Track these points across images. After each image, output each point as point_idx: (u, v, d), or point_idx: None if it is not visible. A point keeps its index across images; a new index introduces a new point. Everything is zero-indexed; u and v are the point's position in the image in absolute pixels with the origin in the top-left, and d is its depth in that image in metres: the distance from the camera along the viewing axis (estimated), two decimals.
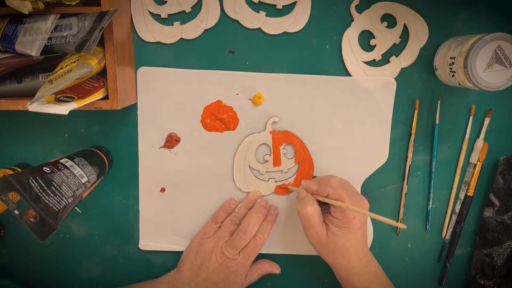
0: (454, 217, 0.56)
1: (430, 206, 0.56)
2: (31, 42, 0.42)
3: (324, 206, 0.50)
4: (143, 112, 0.53)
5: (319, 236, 0.49)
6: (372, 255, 0.51)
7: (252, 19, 0.51)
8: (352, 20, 0.52)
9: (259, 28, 0.52)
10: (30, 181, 0.38)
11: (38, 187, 0.38)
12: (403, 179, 0.55)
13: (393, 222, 0.43)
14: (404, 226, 0.42)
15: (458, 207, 0.56)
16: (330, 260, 0.50)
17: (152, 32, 0.51)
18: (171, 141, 0.54)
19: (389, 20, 0.52)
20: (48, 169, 0.41)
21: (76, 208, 0.51)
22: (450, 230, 0.56)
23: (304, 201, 0.49)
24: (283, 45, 0.52)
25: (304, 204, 0.49)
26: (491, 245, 0.54)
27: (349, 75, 0.53)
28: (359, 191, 0.55)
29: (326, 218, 0.49)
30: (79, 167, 0.45)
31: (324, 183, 0.49)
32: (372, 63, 0.53)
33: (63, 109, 0.40)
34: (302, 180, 0.53)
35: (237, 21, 0.51)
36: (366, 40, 0.52)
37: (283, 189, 0.55)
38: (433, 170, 0.55)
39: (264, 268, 0.55)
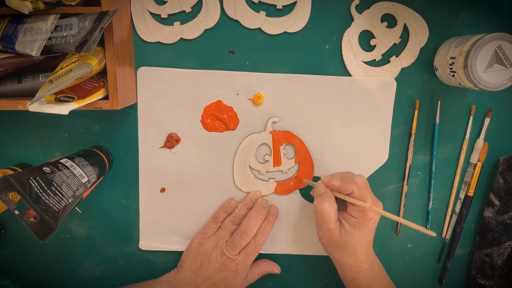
0: (454, 217, 0.56)
1: (430, 206, 0.56)
2: (31, 42, 0.42)
3: (340, 204, 0.50)
4: (143, 112, 0.53)
5: (331, 233, 0.48)
6: (375, 255, 0.51)
7: (252, 19, 0.51)
8: (352, 20, 0.52)
9: (259, 28, 0.52)
10: (30, 181, 0.38)
11: (38, 187, 0.38)
12: (403, 179, 0.55)
13: (422, 229, 0.43)
14: (434, 234, 0.42)
15: (458, 207, 0.56)
16: (337, 258, 0.50)
17: (152, 32, 0.51)
18: (171, 141, 0.54)
19: (389, 20, 0.52)
20: (48, 169, 0.41)
21: (76, 208, 0.51)
22: (450, 230, 0.56)
23: (322, 197, 0.48)
24: (283, 45, 0.52)
25: (322, 200, 0.48)
26: (491, 245, 0.54)
27: (349, 75, 0.53)
28: None
29: (341, 215, 0.49)
30: (79, 167, 0.45)
31: (349, 180, 0.47)
32: (372, 63, 0.53)
33: (63, 109, 0.40)
34: (322, 175, 0.51)
35: (237, 21, 0.51)
36: (366, 40, 0.52)
37: (283, 189, 0.55)
38: (433, 170, 0.55)
39: (264, 268, 0.55)
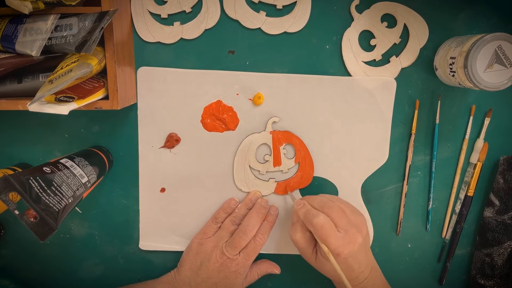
0: (454, 217, 0.56)
1: (430, 206, 0.56)
2: (31, 42, 0.42)
3: None
4: (143, 112, 0.53)
5: (308, 259, 0.50)
6: (374, 264, 0.50)
7: (252, 19, 0.51)
8: (352, 20, 0.52)
9: (259, 28, 0.52)
10: (30, 181, 0.38)
11: (38, 187, 0.38)
12: (403, 179, 0.55)
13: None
14: None
15: (458, 207, 0.56)
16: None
17: (152, 32, 0.51)
18: (171, 141, 0.54)
19: (389, 20, 0.52)
20: (48, 169, 0.41)
21: (76, 208, 0.51)
22: (450, 230, 0.56)
23: (295, 227, 0.49)
24: (283, 45, 0.52)
25: (294, 230, 0.49)
26: (491, 245, 0.54)
27: (349, 75, 0.53)
28: (359, 191, 0.55)
29: (318, 244, 0.49)
30: (79, 167, 0.45)
31: (308, 220, 0.46)
32: (372, 63, 0.53)
33: (63, 109, 0.40)
34: (297, 200, 0.50)
35: (237, 21, 0.51)
36: (366, 40, 0.52)
37: (283, 189, 0.55)
38: (433, 170, 0.55)
39: (264, 268, 0.55)
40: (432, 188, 0.55)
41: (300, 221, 0.49)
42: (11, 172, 0.50)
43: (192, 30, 0.51)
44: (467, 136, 0.54)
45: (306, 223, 0.47)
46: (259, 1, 0.51)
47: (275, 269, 0.56)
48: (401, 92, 0.53)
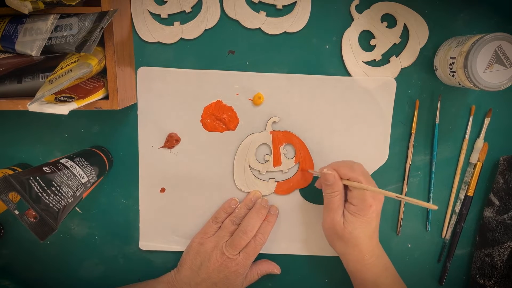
0: (454, 217, 0.56)
1: None
2: (31, 42, 0.42)
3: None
4: (143, 112, 0.53)
5: (336, 224, 0.49)
6: (381, 248, 0.51)
7: (252, 19, 0.51)
8: (352, 20, 0.52)
9: (259, 28, 0.52)
10: (30, 181, 0.38)
11: (38, 187, 0.38)
12: (403, 179, 0.55)
13: (423, 203, 0.43)
14: (435, 207, 0.42)
15: (458, 207, 0.56)
16: (341, 250, 0.50)
17: (152, 32, 0.51)
18: (171, 141, 0.54)
19: (389, 20, 0.52)
20: (48, 169, 0.41)
21: (76, 208, 0.51)
22: (450, 230, 0.56)
23: (333, 187, 0.49)
24: (283, 45, 0.52)
25: (333, 190, 0.49)
26: (491, 245, 0.54)
27: (349, 75, 0.53)
28: None
29: (346, 204, 0.50)
30: (79, 167, 0.45)
31: (347, 166, 0.49)
32: (372, 63, 0.53)
33: (63, 109, 0.40)
34: (321, 168, 0.52)
35: (237, 21, 0.51)
36: (366, 40, 0.52)
37: (283, 189, 0.55)
38: (433, 170, 0.55)
39: (264, 268, 0.55)
40: (432, 188, 0.55)
41: (338, 181, 0.49)
42: (11, 172, 0.50)
43: (192, 30, 0.51)
44: (467, 136, 0.54)
45: (341, 172, 0.49)
46: (259, 1, 0.51)
47: (275, 269, 0.56)
48: (401, 92, 0.53)
